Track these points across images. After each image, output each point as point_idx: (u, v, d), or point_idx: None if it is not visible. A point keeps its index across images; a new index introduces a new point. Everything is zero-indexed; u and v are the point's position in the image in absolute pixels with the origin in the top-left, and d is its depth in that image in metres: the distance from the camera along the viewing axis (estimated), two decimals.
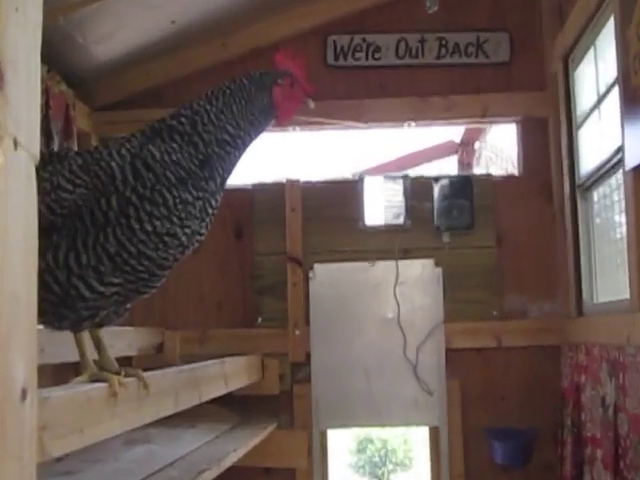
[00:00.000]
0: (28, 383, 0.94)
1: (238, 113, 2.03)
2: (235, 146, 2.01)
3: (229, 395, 3.35)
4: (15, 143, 0.84)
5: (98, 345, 2.03)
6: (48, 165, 1.87)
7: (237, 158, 2.04)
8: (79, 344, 1.95)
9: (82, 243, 1.78)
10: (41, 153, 1.93)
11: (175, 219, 1.86)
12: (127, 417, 1.91)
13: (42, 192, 1.76)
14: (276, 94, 2.12)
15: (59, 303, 1.80)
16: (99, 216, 1.78)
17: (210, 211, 1.96)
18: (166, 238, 1.85)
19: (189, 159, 1.91)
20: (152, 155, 1.86)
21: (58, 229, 1.78)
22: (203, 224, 1.96)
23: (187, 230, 1.90)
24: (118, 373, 1.95)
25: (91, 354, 1.98)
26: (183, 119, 1.98)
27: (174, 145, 1.92)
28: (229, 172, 2.02)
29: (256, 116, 2.07)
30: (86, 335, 1.98)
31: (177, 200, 1.86)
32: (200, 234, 1.96)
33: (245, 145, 2.05)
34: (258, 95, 2.08)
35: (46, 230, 1.76)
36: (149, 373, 2.14)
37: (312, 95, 2.20)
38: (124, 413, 1.89)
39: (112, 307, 1.94)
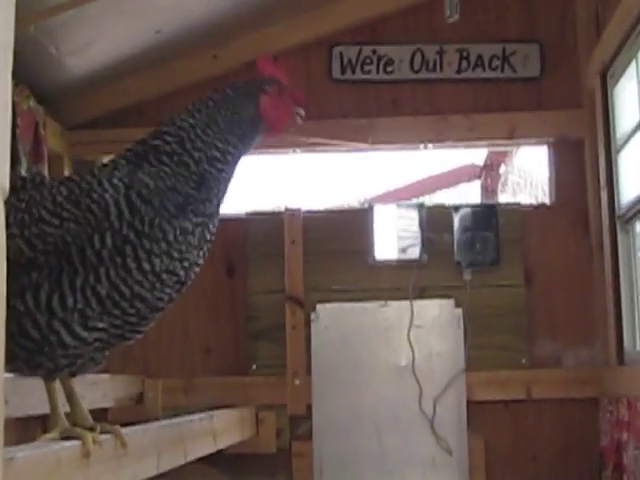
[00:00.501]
0: None
1: (225, 127, 2.04)
2: (225, 163, 2.02)
3: (219, 453, 3.34)
4: None
5: (70, 396, 2.02)
6: (20, 193, 1.88)
7: (229, 177, 2.05)
8: (50, 395, 1.95)
9: (69, 284, 1.77)
10: (10, 179, 1.96)
11: (175, 254, 1.87)
12: None
13: (19, 225, 1.78)
14: (264, 103, 2.12)
15: (35, 350, 1.79)
16: (91, 255, 1.79)
17: (208, 237, 1.98)
18: (164, 276, 1.86)
19: (184, 182, 1.92)
20: (145, 185, 1.87)
21: (39, 267, 1.78)
22: (201, 253, 1.97)
23: (185, 263, 1.91)
24: (93, 429, 1.94)
25: (62, 406, 1.98)
26: (168, 137, 1.99)
27: (165, 169, 1.93)
28: (223, 193, 2.04)
29: (243, 129, 2.08)
30: (57, 385, 1.98)
31: (177, 232, 1.87)
32: (197, 265, 1.97)
33: (235, 162, 2.07)
34: (244, 106, 2.09)
35: (23, 267, 1.77)
36: (128, 429, 2.14)
37: (303, 103, 2.21)
38: (99, 475, 1.88)
39: (90, 354, 1.94)
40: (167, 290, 1.90)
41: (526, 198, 7.29)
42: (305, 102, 2.21)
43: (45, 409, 1.96)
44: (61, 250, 1.79)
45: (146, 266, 1.82)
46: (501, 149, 5.79)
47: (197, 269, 1.98)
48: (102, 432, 1.95)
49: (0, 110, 0.90)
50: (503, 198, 6.79)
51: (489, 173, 6.73)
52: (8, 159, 0.93)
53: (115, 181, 1.86)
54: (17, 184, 1.90)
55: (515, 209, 4.60)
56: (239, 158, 2.08)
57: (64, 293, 1.77)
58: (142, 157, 1.95)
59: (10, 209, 1.76)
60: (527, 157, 6.53)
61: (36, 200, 1.84)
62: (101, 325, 1.83)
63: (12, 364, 1.81)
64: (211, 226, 1.98)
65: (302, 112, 2.22)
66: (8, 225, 1.72)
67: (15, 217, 1.79)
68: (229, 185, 2.06)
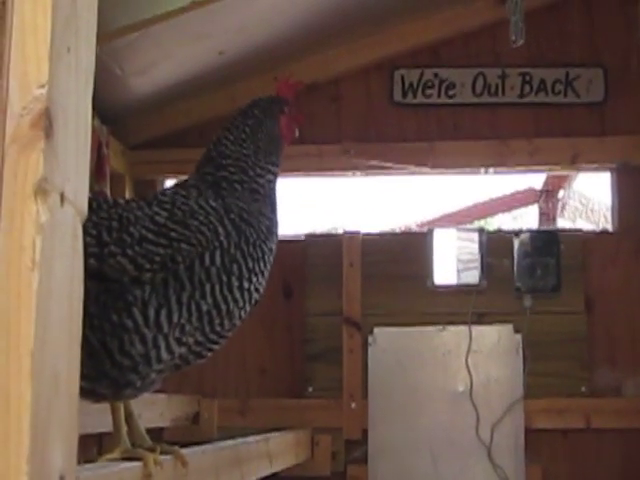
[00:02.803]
0: (66, 470, 0.95)
1: (266, 149, 2.18)
2: (275, 183, 2.17)
3: (274, 476, 3.34)
4: (62, 198, 0.86)
5: (129, 416, 2.03)
6: (100, 212, 1.90)
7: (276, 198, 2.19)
8: (115, 414, 1.95)
9: (176, 299, 1.83)
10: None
11: (266, 273, 2.02)
12: None
13: (119, 244, 1.82)
14: (283, 123, 2.26)
15: (130, 367, 1.81)
16: (199, 272, 1.86)
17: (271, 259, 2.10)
18: (254, 294, 1.99)
19: (265, 206, 2.06)
20: (243, 208, 1.99)
21: (143, 284, 1.82)
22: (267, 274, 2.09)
23: (264, 283, 2.03)
24: (152, 449, 1.95)
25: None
26: (232, 169, 2.10)
27: (246, 194, 2.05)
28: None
29: (278, 147, 2.22)
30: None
31: (268, 252, 2.01)
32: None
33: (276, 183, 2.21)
34: (272, 126, 2.23)
35: (126, 285, 1.81)
36: (187, 450, 2.14)
37: (302, 125, 2.33)
38: None
39: (164, 373, 1.96)
40: (248, 308, 2.00)
41: (585, 223, 7.21)
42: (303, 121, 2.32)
43: (101, 428, 1.97)
44: (169, 268, 1.84)
45: (245, 284, 1.94)
46: (561, 174, 5.74)
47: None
48: (162, 453, 1.96)
49: (82, 135, 0.91)
50: (561, 223, 6.72)
51: (548, 198, 6.68)
52: (87, 184, 0.95)
53: (213, 204, 1.96)
54: (92, 204, 1.92)
55: (577, 235, 4.55)
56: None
57: (171, 309, 1.83)
58: (218, 185, 2.06)
59: (95, 227, 1.83)
60: (587, 182, 6.47)
61: (130, 220, 1.88)
62: (191, 341, 1.89)
63: (93, 383, 1.81)
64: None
65: (297, 133, 2.35)
66: (99, 244, 1.80)
67: (110, 236, 1.83)
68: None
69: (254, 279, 1.96)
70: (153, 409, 3.78)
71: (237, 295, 1.92)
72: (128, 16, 3.49)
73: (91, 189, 3.95)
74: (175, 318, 1.83)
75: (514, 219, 9.38)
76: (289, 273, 4.54)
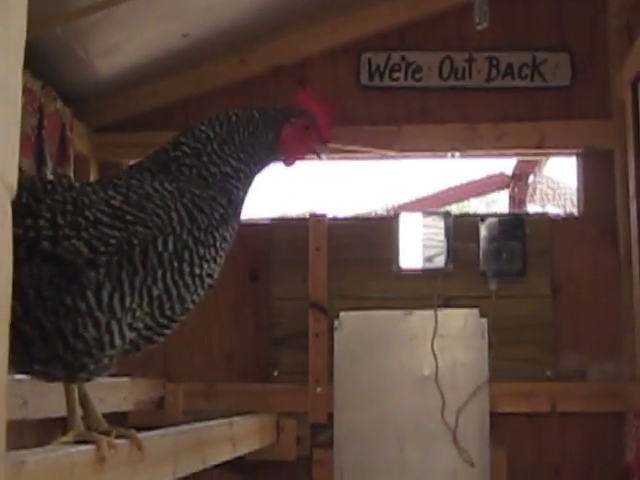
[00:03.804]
0: None
1: (240, 145, 2.13)
2: (238, 180, 2.10)
3: (239, 459, 3.33)
4: None
5: (85, 399, 2.02)
6: (54, 195, 1.88)
7: (243, 196, 2.13)
8: (69, 397, 1.94)
9: (129, 284, 1.82)
10: (37, 180, 1.96)
11: (219, 259, 1.99)
12: None
13: (73, 226, 1.81)
14: (286, 133, 2.21)
15: (83, 351, 1.79)
16: (153, 257, 1.85)
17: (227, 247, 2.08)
18: (206, 279, 1.97)
19: (220, 196, 2.02)
20: (195, 194, 1.97)
21: (97, 267, 1.81)
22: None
23: (218, 268, 2.02)
24: (108, 433, 1.94)
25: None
26: (186, 149, 2.07)
27: (198, 181, 2.02)
28: (240, 211, 2.12)
29: (258, 151, 2.16)
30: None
31: (221, 240, 1.99)
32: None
33: (248, 182, 2.15)
34: (265, 129, 2.18)
35: (80, 267, 1.79)
36: (144, 434, 2.13)
37: (328, 141, 2.30)
38: None
39: (116, 358, 1.94)
40: (201, 293, 1.98)
41: (555, 208, 7.24)
42: (329, 138, 2.30)
43: (65, 411, 1.95)
44: (124, 251, 1.83)
45: (197, 270, 1.92)
46: (531, 159, 5.76)
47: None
48: (118, 436, 1.94)
49: (11, 110, 0.89)
50: (531, 209, 6.74)
51: (518, 183, 6.70)
52: (17, 158, 0.92)
53: (168, 187, 1.95)
54: (47, 187, 1.91)
55: (543, 219, 4.56)
56: (252, 179, 2.16)
57: (124, 293, 1.81)
58: (166, 167, 2.03)
59: (49, 210, 1.82)
60: (557, 167, 6.48)
61: (84, 203, 1.86)
62: (140, 325, 1.88)
63: (46, 366, 1.82)
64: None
65: (325, 152, 2.33)
66: (54, 227, 1.78)
67: (64, 219, 1.82)
68: (243, 204, 2.14)
69: (205, 265, 1.94)
70: (116, 393, 3.76)
71: (188, 281, 1.91)
72: None
73: (54, 172, 3.92)
74: (127, 303, 1.81)
75: (488, 204, 9.42)
76: (255, 257, 4.53)
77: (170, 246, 1.88)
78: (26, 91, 3.63)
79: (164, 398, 4.34)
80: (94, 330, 1.78)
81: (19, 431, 3.56)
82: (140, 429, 2.13)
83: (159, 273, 1.85)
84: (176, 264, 1.88)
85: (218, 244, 1.98)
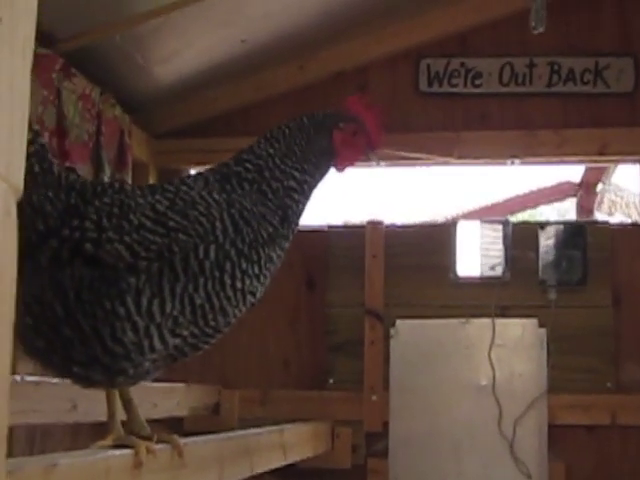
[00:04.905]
0: None
1: (301, 155, 2.11)
2: (302, 193, 2.08)
3: (292, 467, 3.32)
4: None
5: (128, 404, 2.02)
6: (103, 197, 1.89)
7: (303, 207, 2.11)
8: (110, 401, 1.95)
9: (169, 290, 1.81)
10: (88, 182, 1.97)
11: (262, 278, 1.95)
12: None
13: (117, 230, 1.81)
14: (335, 138, 2.18)
15: (122, 355, 1.80)
16: (194, 264, 1.84)
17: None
18: (248, 296, 1.94)
19: (272, 214, 2.00)
20: (245, 207, 1.95)
21: (138, 272, 1.81)
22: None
23: (262, 288, 1.98)
24: (149, 438, 1.93)
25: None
26: (248, 165, 2.06)
27: (254, 196, 2.00)
28: (297, 225, 2.09)
29: (318, 158, 2.14)
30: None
31: (266, 259, 1.96)
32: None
33: (310, 192, 2.12)
34: (318, 136, 2.16)
35: (121, 271, 1.80)
36: (188, 439, 2.12)
37: (378, 148, 2.26)
38: None
39: (160, 363, 1.94)
40: (243, 309, 1.95)
41: (623, 218, 7.10)
42: (379, 144, 2.25)
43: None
44: (165, 257, 1.83)
45: (238, 284, 1.89)
46: (598, 166, 5.66)
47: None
48: (159, 441, 1.94)
49: (18, 110, 0.89)
50: (599, 217, 6.62)
51: (585, 191, 6.60)
52: (23, 160, 0.92)
53: (216, 197, 1.93)
54: (97, 188, 1.92)
55: (605, 228, 4.48)
56: (314, 188, 2.14)
57: (164, 299, 1.80)
58: (226, 180, 2.02)
59: (96, 212, 1.83)
60: (625, 175, 6.36)
61: (131, 207, 1.87)
62: (185, 333, 1.87)
63: (86, 369, 1.81)
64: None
65: (376, 158, 2.34)
66: (98, 229, 1.79)
67: (110, 222, 1.82)
68: (301, 216, 2.11)
69: (247, 281, 1.91)
70: (170, 398, 3.77)
71: (230, 293, 1.89)
72: (148, 1, 3.49)
73: (112, 178, 3.96)
74: (168, 309, 1.80)
75: (560, 213, 9.27)
76: (312, 264, 4.52)
77: (212, 255, 1.86)
78: (85, 97, 3.68)
79: (219, 404, 4.35)
80: (133, 334, 1.78)
81: (73, 435, 3.60)
82: (195, 435, 2.12)
83: (200, 281, 1.84)
84: (217, 274, 1.86)
85: (262, 262, 1.95)
